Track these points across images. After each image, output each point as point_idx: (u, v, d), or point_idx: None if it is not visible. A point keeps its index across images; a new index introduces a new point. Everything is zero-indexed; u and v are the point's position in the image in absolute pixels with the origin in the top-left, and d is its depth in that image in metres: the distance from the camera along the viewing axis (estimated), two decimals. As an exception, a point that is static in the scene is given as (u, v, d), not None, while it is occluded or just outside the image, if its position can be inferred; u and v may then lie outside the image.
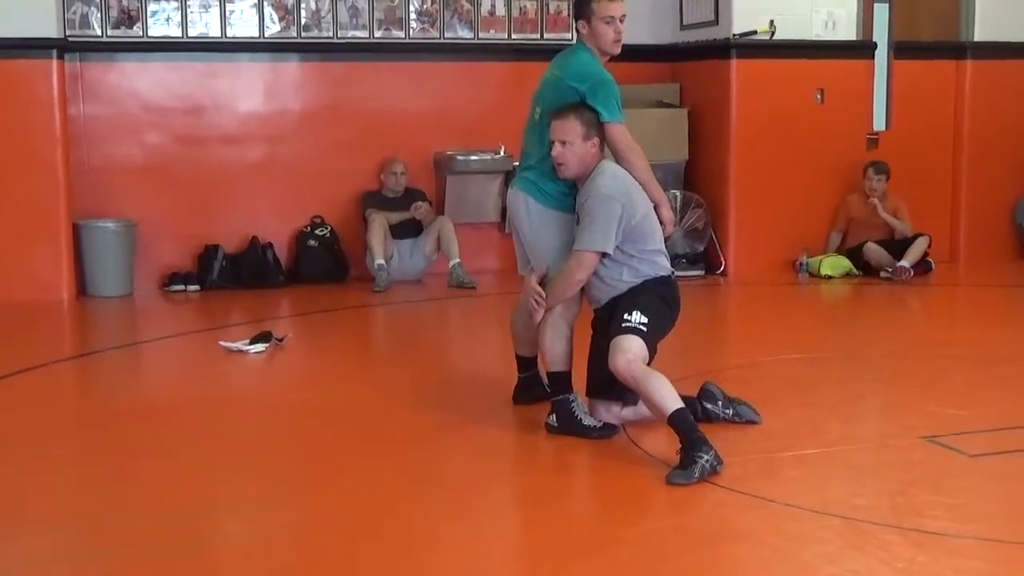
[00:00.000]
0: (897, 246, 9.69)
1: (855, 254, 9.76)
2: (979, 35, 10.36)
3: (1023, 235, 10.55)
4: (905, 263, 9.46)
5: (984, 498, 4.58)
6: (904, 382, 6.35)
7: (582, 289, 5.26)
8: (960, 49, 10.38)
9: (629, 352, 4.91)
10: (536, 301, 5.22)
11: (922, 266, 9.62)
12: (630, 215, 5.07)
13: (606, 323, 5.15)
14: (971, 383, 6.28)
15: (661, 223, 5.32)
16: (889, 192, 9.87)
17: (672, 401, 4.80)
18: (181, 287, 9.28)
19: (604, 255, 5.08)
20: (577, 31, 5.46)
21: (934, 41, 10.40)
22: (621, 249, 5.10)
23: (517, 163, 9.15)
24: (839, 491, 4.58)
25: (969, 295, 9.65)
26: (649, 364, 5.02)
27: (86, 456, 5.25)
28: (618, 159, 5.29)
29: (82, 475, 4.95)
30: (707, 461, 4.61)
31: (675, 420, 4.76)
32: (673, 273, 5.33)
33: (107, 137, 9.34)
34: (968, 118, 10.42)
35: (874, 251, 9.64)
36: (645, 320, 5.00)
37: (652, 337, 5.04)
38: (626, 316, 5.02)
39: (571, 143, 5.11)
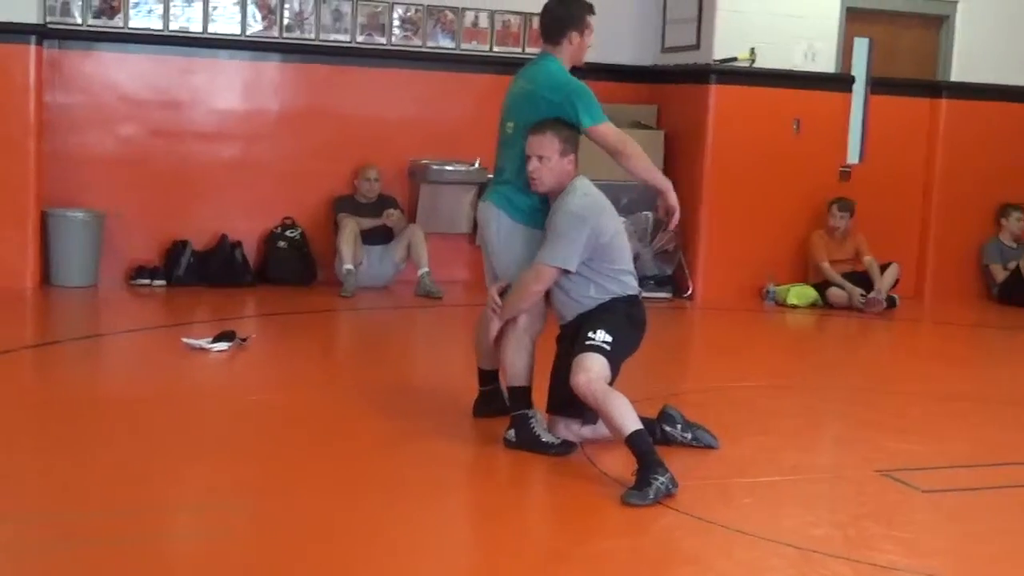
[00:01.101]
0: (862, 279, 9.76)
1: (821, 286, 9.82)
2: (956, 75, 10.45)
3: (989, 276, 10.63)
4: (877, 296, 9.55)
5: (935, 534, 4.61)
6: (862, 415, 6.38)
7: (548, 304, 5.26)
8: (936, 88, 10.46)
9: (591, 371, 4.92)
10: (493, 310, 5.23)
11: (887, 301, 9.67)
12: (598, 234, 5.08)
13: (571, 339, 5.16)
14: (928, 419, 6.31)
15: (668, 211, 5.36)
16: (852, 228, 9.93)
17: (631, 422, 4.81)
18: (147, 281, 9.23)
19: (568, 271, 5.08)
20: (558, 40, 5.41)
21: (911, 79, 10.48)
22: (588, 266, 5.11)
23: (491, 176, 9.22)
24: (792, 520, 4.59)
25: (932, 332, 9.71)
26: (612, 384, 5.03)
27: (40, 447, 5.21)
28: (614, 158, 5.30)
29: (35, 466, 4.92)
30: (662, 483, 4.62)
31: (633, 441, 4.77)
32: (640, 293, 5.34)
33: (82, 126, 9.28)
34: (940, 157, 10.50)
35: (836, 295, 9.72)
36: (609, 339, 5.01)
37: (615, 357, 5.05)
38: (590, 334, 5.02)
39: (548, 158, 5.12)
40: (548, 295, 5.24)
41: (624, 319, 5.15)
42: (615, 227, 5.21)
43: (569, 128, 5.18)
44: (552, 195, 5.20)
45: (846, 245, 9.93)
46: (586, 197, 5.15)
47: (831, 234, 9.91)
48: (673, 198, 5.38)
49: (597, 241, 5.08)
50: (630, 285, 5.25)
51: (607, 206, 5.22)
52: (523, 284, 5.17)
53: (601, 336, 5.01)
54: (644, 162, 5.35)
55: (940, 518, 4.81)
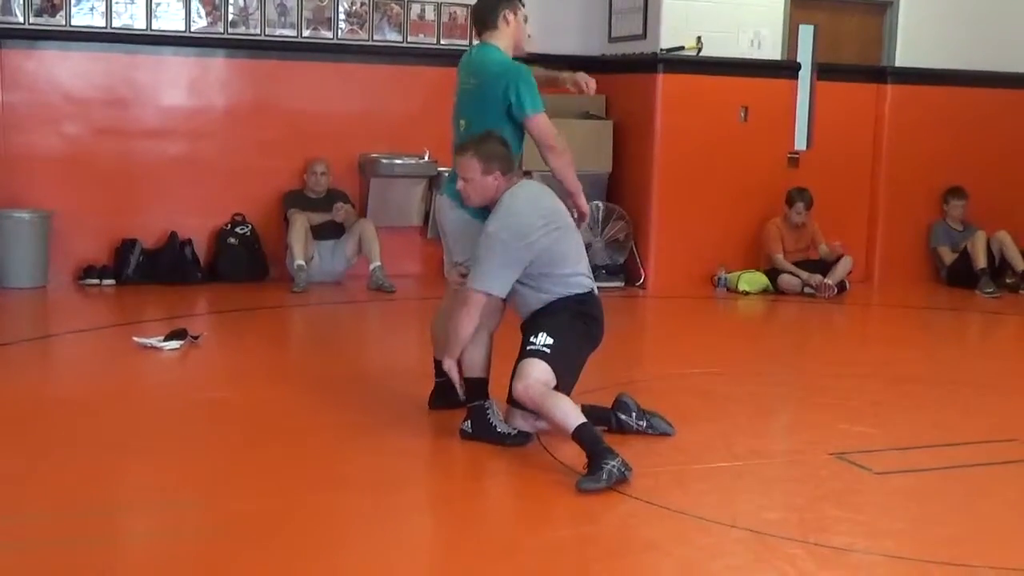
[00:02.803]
0: (815, 267, 9.84)
1: (772, 273, 9.89)
2: (900, 60, 10.54)
3: (937, 259, 10.73)
4: (830, 281, 9.64)
5: (889, 515, 4.65)
6: (815, 399, 6.43)
7: (505, 299, 5.26)
8: (881, 73, 10.55)
9: (528, 378, 4.95)
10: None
11: (837, 286, 9.75)
12: (526, 249, 5.06)
13: (524, 340, 5.17)
14: (880, 402, 6.37)
15: (580, 215, 5.40)
16: (808, 217, 9.99)
17: (574, 418, 4.84)
18: (96, 280, 9.16)
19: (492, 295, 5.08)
20: (493, 25, 5.40)
21: (856, 64, 10.56)
22: (528, 277, 5.12)
23: (442, 168, 9.22)
24: (748, 505, 4.62)
25: (882, 316, 9.80)
26: (570, 381, 5.05)
27: (-9, 449, 5.16)
28: (541, 150, 5.33)
29: (-14, 468, 4.87)
30: (614, 467, 4.64)
31: (579, 435, 4.80)
32: (594, 290, 5.31)
33: (26, 125, 9.18)
34: (887, 141, 10.60)
35: (787, 281, 9.78)
36: (550, 342, 5.03)
37: (562, 357, 5.04)
38: (531, 339, 5.06)
39: (471, 179, 5.14)
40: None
41: (570, 317, 5.14)
42: (548, 237, 5.13)
43: (493, 143, 5.16)
44: (488, 207, 5.21)
45: (802, 234, 9.99)
46: (506, 217, 5.10)
47: (788, 223, 9.96)
48: (583, 201, 5.45)
49: (529, 253, 5.07)
50: (578, 284, 5.22)
51: (532, 219, 5.12)
52: (456, 314, 5.16)
53: (542, 340, 5.04)
54: (568, 161, 5.36)
55: (894, 499, 4.85)
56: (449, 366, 5.26)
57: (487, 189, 5.15)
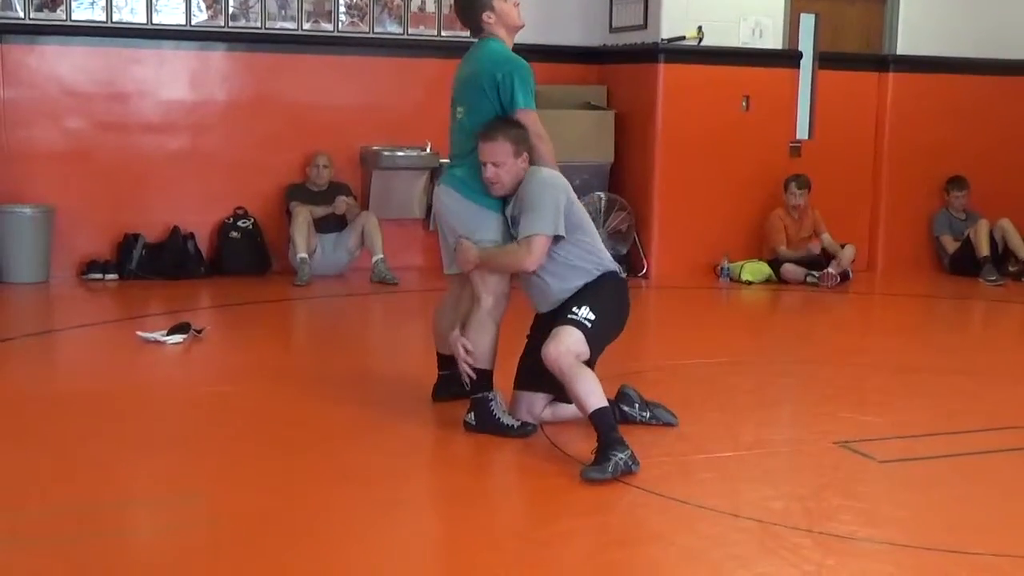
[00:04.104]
0: (816, 262, 9.84)
1: (774, 262, 9.88)
2: (902, 48, 10.53)
3: (940, 248, 10.72)
4: (832, 270, 9.64)
5: (893, 503, 4.65)
6: (818, 388, 6.43)
7: (513, 288, 5.26)
8: (883, 62, 10.53)
9: (563, 343, 4.91)
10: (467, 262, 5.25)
11: (840, 275, 9.75)
12: (570, 202, 5.12)
13: (546, 325, 5.13)
14: (884, 391, 6.37)
15: None
16: (809, 205, 10.00)
17: (597, 399, 4.82)
18: (99, 275, 9.16)
19: (560, 237, 5.08)
20: (480, 26, 5.41)
21: (858, 53, 10.55)
22: (568, 244, 5.11)
23: (444, 160, 9.21)
24: (752, 494, 4.62)
25: (885, 304, 9.80)
26: (592, 364, 5.03)
27: (-5, 444, 5.17)
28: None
29: (-10, 463, 4.88)
30: (621, 459, 4.64)
31: (596, 417, 4.79)
32: (620, 269, 5.37)
33: (27, 121, 9.19)
34: (889, 130, 10.59)
35: (790, 271, 9.78)
36: (592, 318, 5.00)
37: (596, 336, 5.02)
38: (575, 308, 5.03)
39: (503, 163, 5.12)
40: (524, 284, 5.25)
41: (611, 300, 5.16)
42: (578, 206, 5.23)
43: (516, 126, 5.18)
44: (510, 193, 5.21)
45: (804, 223, 9.99)
46: (543, 172, 5.16)
47: (789, 213, 9.97)
48: None
49: (570, 209, 5.11)
50: (611, 259, 5.28)
51: (566, 184, 5.22)
52: (514, 254, 5.13)
53: (584, 312, 5.01)
54: (551, 162, 5.32)
55: (898, 488, 4.86)
56: (455, 338, 5.27)
57: (518, 173, 5.16)
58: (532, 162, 5.23)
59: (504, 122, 5.19)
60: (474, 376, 5.26)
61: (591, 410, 4.80)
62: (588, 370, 4.92)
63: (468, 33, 5.60)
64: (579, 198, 5.39)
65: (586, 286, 5.14)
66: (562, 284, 5.17)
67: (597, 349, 5.10)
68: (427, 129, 9.42)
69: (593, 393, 4.84)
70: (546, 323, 5.16)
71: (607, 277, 5.19)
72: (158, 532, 4.24)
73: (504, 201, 5.24)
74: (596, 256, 5.20)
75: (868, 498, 4.66)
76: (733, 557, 4.02)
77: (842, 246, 9.88)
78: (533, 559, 4.01)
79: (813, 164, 10.22)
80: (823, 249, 9.93)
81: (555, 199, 5.07)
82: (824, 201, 10.13)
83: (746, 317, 9.15)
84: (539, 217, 5.06)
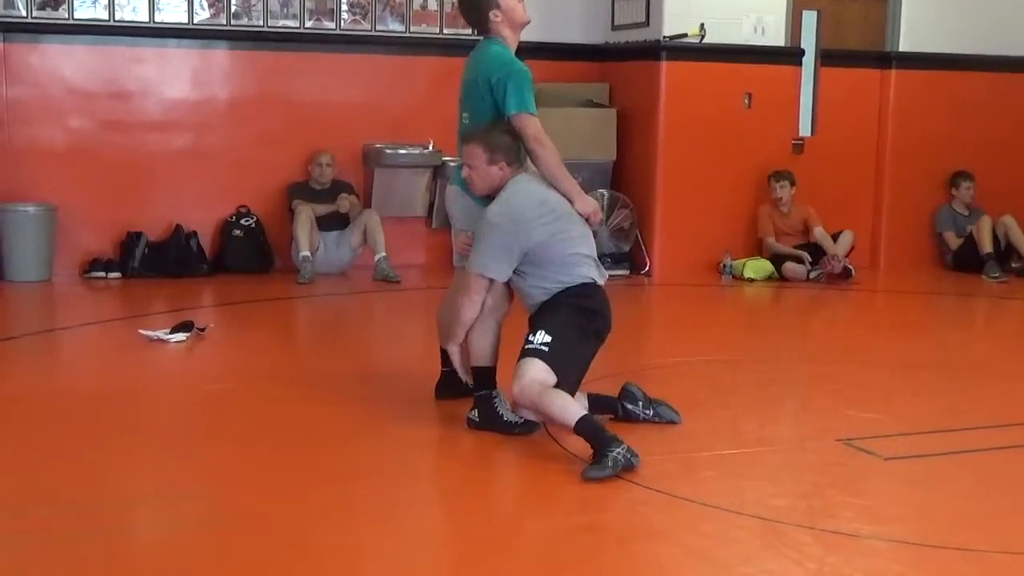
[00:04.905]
0: (812, 251, 9.84)
1: (776, 259, 9.88)
2: (904, 45, 10.52)
3: (943, 244, 10.72)
4: (834, 258, 9.64)
5: (896, 501, 4.65)
6: (822, 385, 6.43)
7: (509, 286, 5.26)
8: (885, 58, 10.53)
9: (524, 378, 4.92)
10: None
11: (843, 272, 9.75)
12: (524, 239, 5.03)
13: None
14: (887, 388, 6.36)
15: (586, 220, 5.29)
16: (796, 200, 9.99)
17: (573, 412, 4.83)
18: (101, 274, 9.17)
19: (493, 279, 5.10)
20: (487, 26, 5.39)
21: (860, 50, 10.54)
22: (527, 266, 5.10)
23: (446, 158, 9.24)
24: (755, 492, 4.62)
25: (888, 301, 9.79)
26: (574, 378, 5.02)
27: (-2, 443, 5.17)
28: (527, 152, 5.25)
29: (-6, 462, 4.88)
30: (619, 453, 4.63)
31: (581, 428, 4.78)
32: (599, 280, 5.22)
33: (30, 119, 9.19)
34: (891, 127, 10.58)
35: (793, 269, 9.77)
36: (548, 340, 4.98)
37: (562, 355, 4.99)
38: (529, 338, 5.03)
39: (476, 167, 5.14)
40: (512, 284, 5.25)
41: (569, 313, 5.08)
42: (550, 228, 5.09)
43: (499, 135, 5.15)
44: (493, 196, 5.21)
45: (792, 218, 10.00)
46: (506, 204, 5.09)
47: (776, 207, 9.98)
48: (582, 205, 5.26)
49: (527, 243, 5.04)
50: (582, 275, 5.15)
51: (531, 210, 5.08)
52: (459, 299, 5.20)
53: (540, 338, 4.99)
54: (555, 167, 5.21)
55: (902, 485, 4.85)
56: (452, 352, 5.29)
57: (492, 178, 5.15)
58: (535, 168, 5.22)
59: (491, 128, 5.18)
60: (469, 376, 5.30)
61: (572, 424, 4.80)
62: (555, 391, 4.91)
63: (471, 31, 5.59)
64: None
65: (546, 304, 5.13)
66: (529, 300, 5.22)
67: (572, 367, 5.04)
68: (430, 127, 9.42)
69: (567, 409, 4.84)
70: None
71: (567, 293, 5.11)
72: (161, 530, 4.24)
73: None
74: (559, 281, 5.12)
75: (872, 495, 4.67)
76: (736, 555, 4.02)
77: (837, 234, 9.87)
78: (534, 557, 4.00)
79: (816, 161, 10.22)
80: (816, 244, 9.90)
81: (492, 241, 5.04)
82: (826, 198, 10.13)
83: (749, 314, 9.15)
84: (476, 256, 5.10)
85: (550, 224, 5.10)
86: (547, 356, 4.96)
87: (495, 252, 5.06)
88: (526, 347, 5.01)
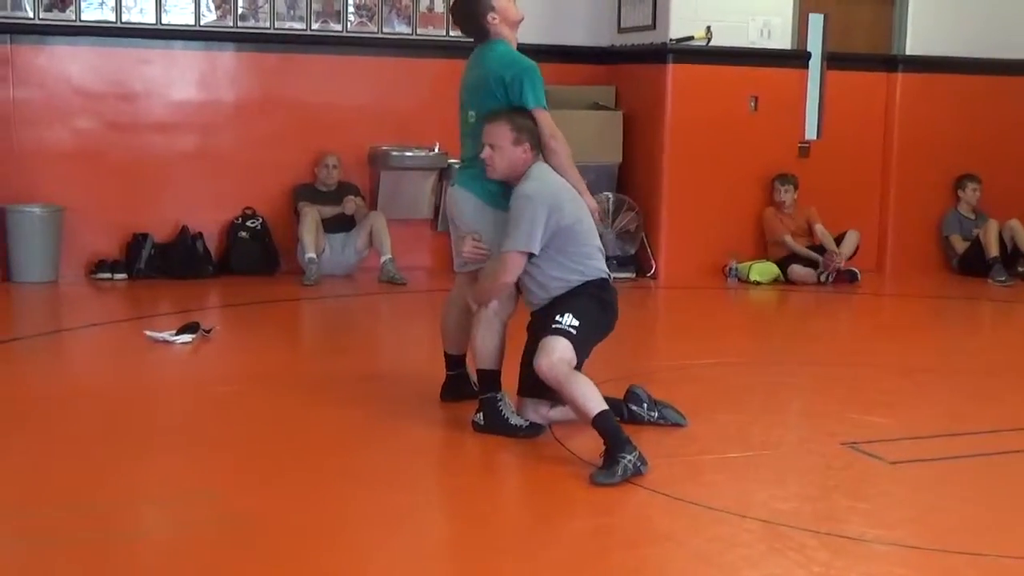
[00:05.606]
0: (818, 250, 9.84)
1: (782, 262, 9.88)
2: (911, 48, 10.51)
3: (949, 248, 10.71)
4: (837, 255, 9.67)
5: (901, 505, 4.65)
6: (827, 389, 6.43)
7: (518, 289, 5.26)
8: (892, 62, 10.52)
9: (554, 354, 4.92)
10: (475, 255, 5.29)
11: (848, 275, 9.75)
12: (558, 217, 5.07)
13: (541, 325, 5.16)
14: (892, 392, 6.36)
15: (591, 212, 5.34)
16: (799, 202, 9.99)
17: (596, 404, 4.82)
18: (108, 275, 9.17)
19: (532, 255, 5.08)
20: (487, 31, 5.42)
21: (867, 53, 10.53)
22: (553, 251, 5.10)
23: (452, 161, 9.23)
24: (761, 495, 4.62)
25: (894, 305, 9.78)
26: (579, 368, 5.03)
27: (4, 445, 5.16)
28: (541, 144, 5.28)
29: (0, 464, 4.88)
30: (630, 461, 4.64)
31: (598, 422, 4.78)
32: (610, 276, 5.32)
33: (37, 121, 9.20)
34: (898, 130, 10.57)
35: (798, 272, 9.77)
36: (576, 323, 5.01)
37: (582, 341, 5.04)
38: (557, 318, 5.03)
39: (500, 147, 5.13)
40: (518, 281, 5.24)
41: (593, 303, 5.14)
42: (576, 212, 5.18)
43: (524, 117, 5.18)
44: (511, 182, 5.20)
45: (796, 219, 10.00)
46: (540, 181, 5.13)
47: (780, 209, 9.98)
48: (589, 197, 5.38)
49: (558, 224, 5.07)
50: (598, 268, 5.23)
51: (565, 189, 5.19)
52: (492, 275, 5.17)
53: (568, 320, 5.02)
54: (567, 161, 5.29)
55: (907, 489, 4.85)
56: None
57: (515, 160, 5.15)
58: (548, 162, 5.24)
59: (515, 110, 5.20)
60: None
61: (592, 415, 4.80)
62: (583, 377, 4.93)
63: (473, 41, 5.59)
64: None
65: (571, 291, 5.15)
66: (542, 293, 5.20)
67: (583, 353, 5.10)
68: (435, 129, 9.41)
69: (591, 398, 4.84)
70: (537, 327, 5.18)
71: (589, 284, 5.17)
72: (167, 531, 4.24)
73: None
74: (579, 272, 5.15)
75: (877, 499, 4.66)
76: (742, 558, 4.01)
77: (842, 236, 9.87)
78: (540, 560, 4.00)
79: (822, 164, 10.21)
80: (820, 245, 9.90)
81: (532, 214, 5.03)
82: (832, 201, 10.12)
83: (755, 318, 9.14)
84: (513, 234, 5.07)
85: (577, 210, 5.17)
86: (574, 339, 4.99)
87: (534, 225, 5.03)
88: (553, 326, 5.00)
